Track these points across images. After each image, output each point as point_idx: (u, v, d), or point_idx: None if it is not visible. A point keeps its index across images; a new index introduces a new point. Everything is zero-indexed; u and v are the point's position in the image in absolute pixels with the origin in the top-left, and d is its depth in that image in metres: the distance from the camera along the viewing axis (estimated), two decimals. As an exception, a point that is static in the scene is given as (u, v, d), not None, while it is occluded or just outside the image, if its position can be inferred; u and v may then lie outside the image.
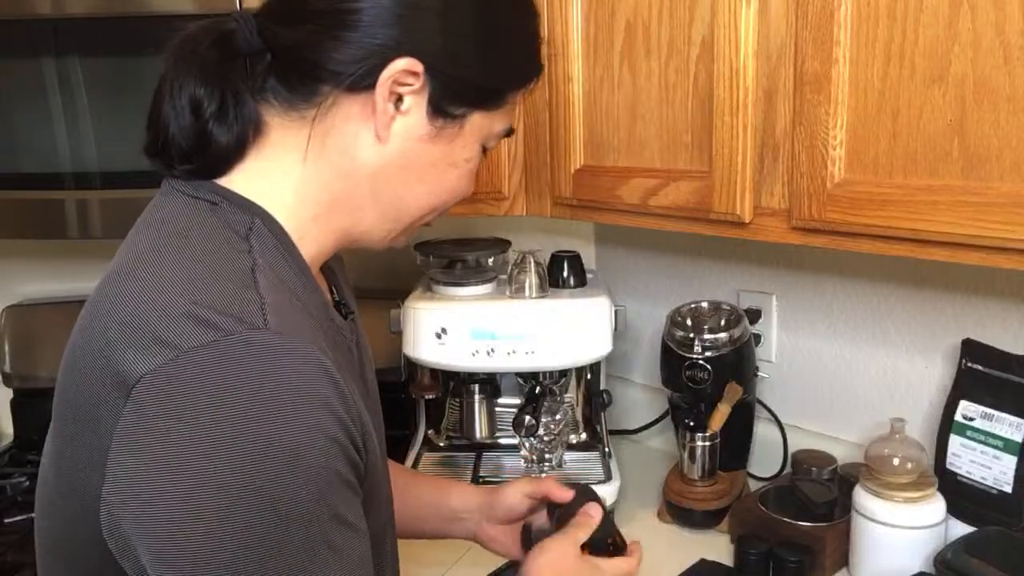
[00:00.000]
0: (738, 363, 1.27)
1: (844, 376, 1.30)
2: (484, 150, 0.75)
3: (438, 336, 1.26)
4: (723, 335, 1.26)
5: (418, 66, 0.65)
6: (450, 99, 0.68)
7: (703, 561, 1.14)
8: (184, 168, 0.66)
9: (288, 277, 0.65)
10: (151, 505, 0.53)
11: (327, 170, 0.68)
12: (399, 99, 0.66)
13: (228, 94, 0.65)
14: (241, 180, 0.66)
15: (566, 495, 0.91)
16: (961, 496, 1.05)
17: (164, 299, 0.57)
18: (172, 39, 0.66)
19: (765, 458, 1.37)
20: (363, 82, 0.65)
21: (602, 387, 1.44)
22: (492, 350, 1.25)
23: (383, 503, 0.73)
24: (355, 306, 0.86)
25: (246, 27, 0.66)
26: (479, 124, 0.71)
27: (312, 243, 0.69)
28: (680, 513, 1.26)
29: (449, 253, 1.38)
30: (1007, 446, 1.02)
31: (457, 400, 1.45)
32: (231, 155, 0.66)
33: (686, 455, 1.27)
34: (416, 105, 0.67)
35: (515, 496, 0.95)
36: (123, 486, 0.54)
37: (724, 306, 1.33)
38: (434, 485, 1.04)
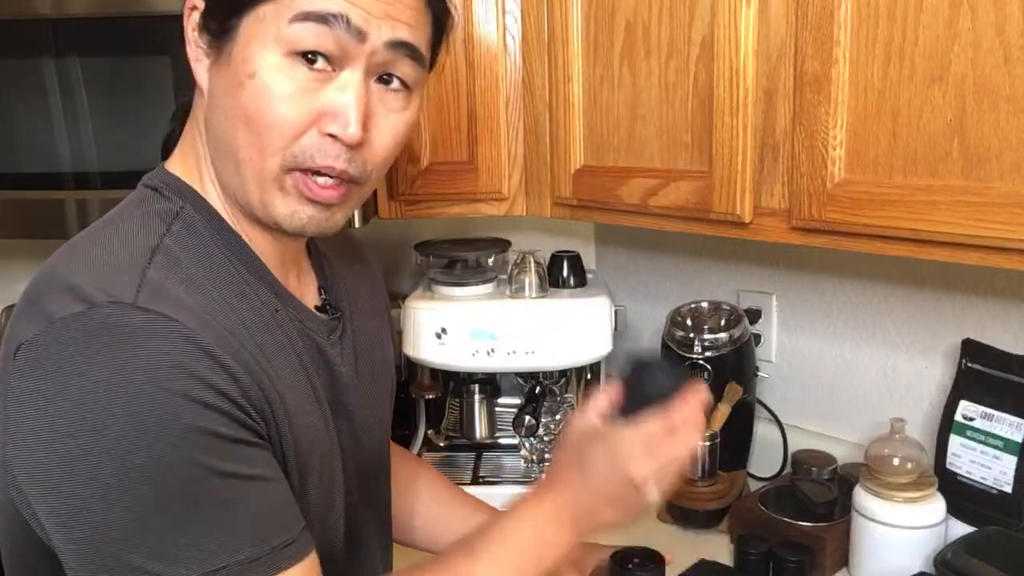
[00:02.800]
0: (738, 363, 1.27)
1: (844, 376, 1.30)
2: (310, 60, 0.62)
3: (438, 336, 1.26)
4: (723, 335, 1.26)
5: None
6: (214, 14, 0.64)
7: (703, 561, 1.14)
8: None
9: (215, 260, 0.65)
10: (30, 468, 0.57)
11: (208, 138, 0.67)
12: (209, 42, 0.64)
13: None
14: (176, 162, 0.69)
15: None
16: (961, 496, 1.05)
17: (60, 276, 0.60)
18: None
19: (765, 458, 1.37)
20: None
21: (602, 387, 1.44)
22: (492, 350, 1.25)
23: (323, 491, 0.72)
24: (368, 304, 0.85)
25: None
26: (255, 29, 0.62)
27: (242, 222, 0.69)
28: (680, 513, 1.26)
29: (449, 253, 1.38)
30: (1007, 446, 1.02)
31: (457, 400, 1.44)
32: (172, 134, 0.69)
33: (686, 455, 1.26)
34: (205, 40, 0.65)
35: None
36: (8, 448, 0.58)
37: (724, 306, 1.33)
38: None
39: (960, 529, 1.04)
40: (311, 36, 0.61)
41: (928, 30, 0.79)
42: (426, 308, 1.28)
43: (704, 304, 1.34)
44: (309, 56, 0.62)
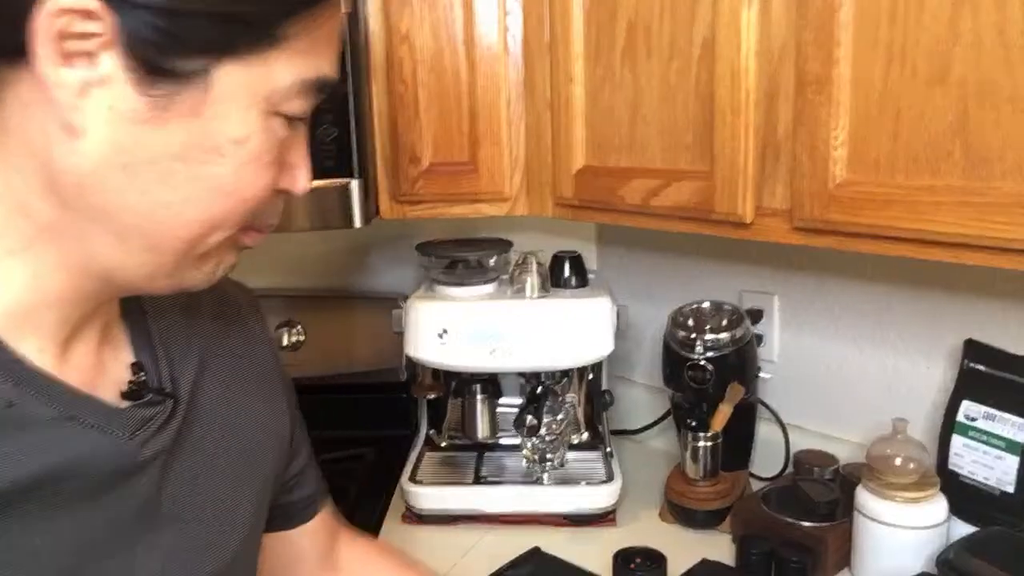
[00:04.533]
0: (740, 363, 1.27)
1: (846, 376, 1.30)
2: (289, 119, 0.50)
3: (440, 336, 1.26)
4: (725, 335, 1.26)
5: (91, 1, 0.42)
6: (168, 47, 0.44)
7: (705, 561, 1.14)
8: None
9: None
10: None
11: (19, 185, 0.47)
12: (90, 61, 0.44)
13: None
14: None
15: None
16: (963, 496, 1.05)
17: None
18: None
19: (767, 458, 1.37)
20: (13, 42, 0.43)
21: (604, 387, 1.44)
22: (494, 350, 1.25)
23: None
24: (236, 371, 0.67)
25: None
26: (241, 80, 0.47)
27: (17, 287, 0.49)
28: (682, 513, 1.26)
29: (451, 253, 1.37)
30: (1009, 446, 1.02)
31: (459, 400, 1.44)
32: None
33: (688, 455, 1.27)
34: (116, 66, 0.44)
35: None
36: None
37: (726, 306, 1.33)
38: None
39: (962, 529, 1.04)
40: (310, 103, 0.51)
41: (929, 31, 0.79)
42: (427, 308, 1.28)
43: (706, 304, 1.34)
44: (291, 118, 0.51)
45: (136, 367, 0.57)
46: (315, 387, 1.55)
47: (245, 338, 0.70)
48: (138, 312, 0.60)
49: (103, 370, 0.55)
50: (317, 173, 0.96)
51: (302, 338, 1.58)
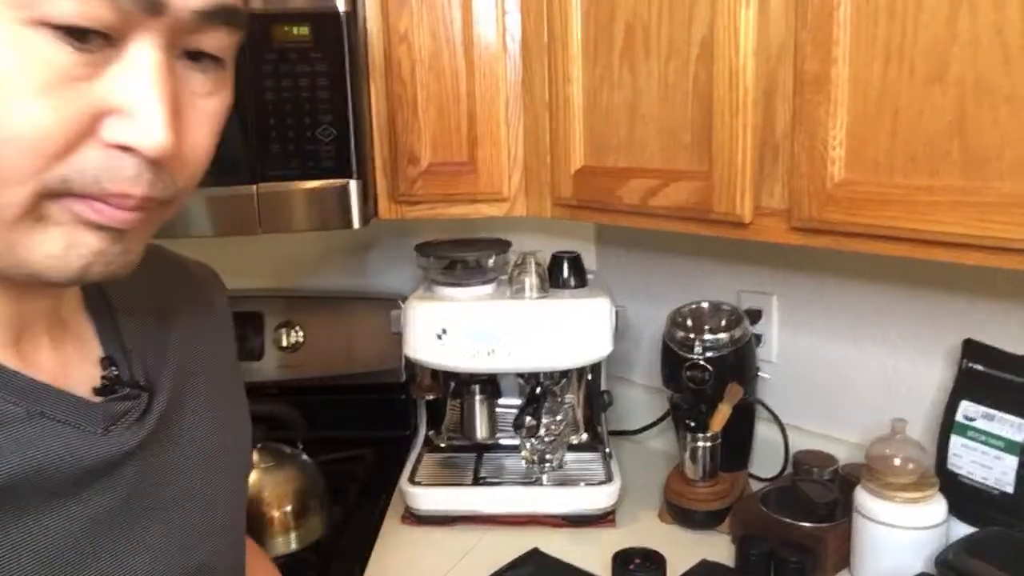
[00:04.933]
0: (739, 363, 1.27)
1: (845, 376, 1.30)
2: (76, 36, 0.39)
3: (438, 337, 1.26)
4: (724, 335, 1.26)
5: None
6: None
7: (704, 562, 1.14)
8: None
9: None
10: None
11: None
12: None
13: None
14: None
15: None
16: (962, 496, 1.05)
17: None
18: None
19: (766, 459, 1.37)
20: None
21: (603, 388, 1.44)
22: (492, 351, 1.25)
23: None
24: (211, 361, 0.65)
25: None
26: None
27: None
28: (681, 514, 1.26)
29: (449, 254, 1.37)
30: (1008, 446, 1.02)
31: (458, 401, 1.44)
32: None
33: (687, 456, 1.26)
34: None
35: None
36: None
37: (725, 306, 1.33)
38: None
39: (961, 529, 1.04)
40: (99, 7, 0.39)
41: (928, 30, 0.79)
42: (426, 309, 1.28)
43: (705, 304, 1.34)
44: (71, 30, 0.39)
45: (106, 362, 0.55)
46: (314, 388, 1.56)
47: (217, 323, 0.68)
48: (104, 307, 0.58)
49: (70, 368, 0.53)
50: (316, 173, 0.92)
51: (301, 339, 1.59)
